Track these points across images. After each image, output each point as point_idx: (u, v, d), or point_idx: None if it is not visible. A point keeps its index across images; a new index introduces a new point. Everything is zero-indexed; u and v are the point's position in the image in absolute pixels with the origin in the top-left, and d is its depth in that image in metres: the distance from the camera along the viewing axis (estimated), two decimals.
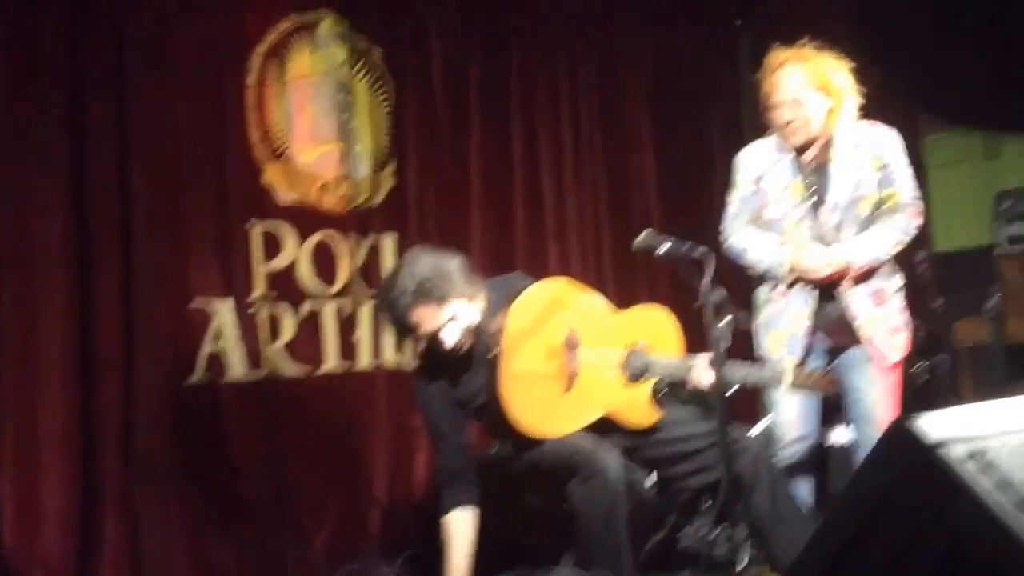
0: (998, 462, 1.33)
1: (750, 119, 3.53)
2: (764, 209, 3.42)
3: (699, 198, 5.25)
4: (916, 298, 3.60)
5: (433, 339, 2.97)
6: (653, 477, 3.21)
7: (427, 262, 3.01)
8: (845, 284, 3.31)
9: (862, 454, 3.41)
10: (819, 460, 3.61)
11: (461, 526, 3.00)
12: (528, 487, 3.19)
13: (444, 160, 4.61)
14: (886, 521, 1.34)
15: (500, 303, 3.02)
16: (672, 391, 3.07)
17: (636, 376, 3.02)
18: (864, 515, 1.37)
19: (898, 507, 1.34)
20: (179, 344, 3.85)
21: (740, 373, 2.98)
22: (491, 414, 3.00)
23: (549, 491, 3.02)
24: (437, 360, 3.07)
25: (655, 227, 4.92)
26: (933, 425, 1.34)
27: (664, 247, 2.77)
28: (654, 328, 3.12)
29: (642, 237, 2.85)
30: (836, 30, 3.64)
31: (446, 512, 3.02)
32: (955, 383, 5.11)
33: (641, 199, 5.30)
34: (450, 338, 2.95)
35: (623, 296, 3.20)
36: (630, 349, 3.05)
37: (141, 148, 3.76)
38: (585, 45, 5.14)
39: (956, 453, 1.32)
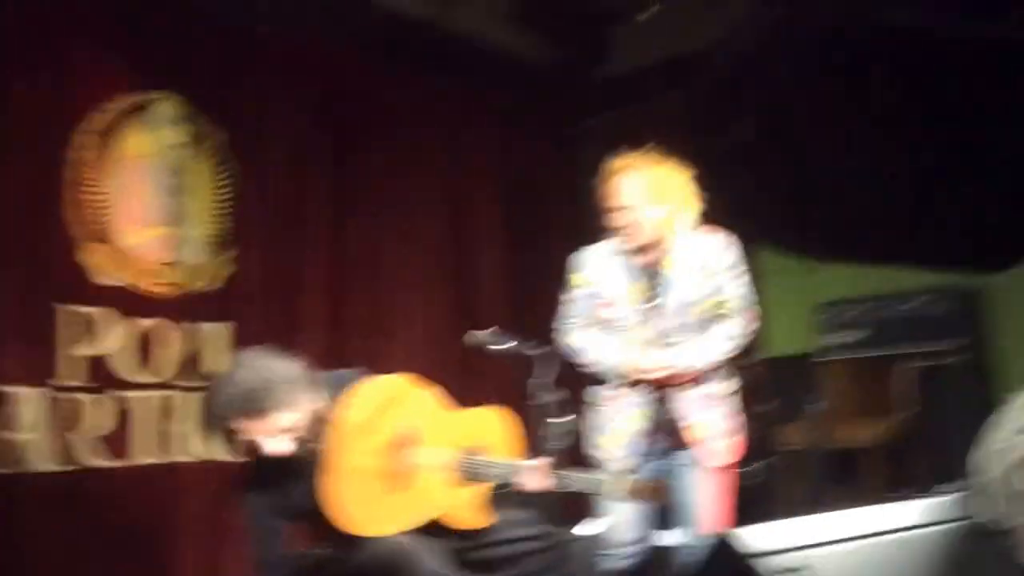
0: (821, 574, 1.31)
1: (594, 219, 3.56)
2: (601, 311, 3.43)
3: (543, 297, 5.21)
4: (747, 402, 3.65)
5: (257, 451, 2.82)
6: None
7: (256, 370, 2.83)
8: (678, 387, 3.33)
9: (690, 558, 3.41)
10: (651, 563, 3.57)
11: None
12: None
13: (284, 249, 4.49)
14: None
15: (335, 399, 2.90)
16: (505, 494, 2.99)
17: (469, 478, 2.94)
18: None
19: None
20: None
21: (570, 479, 2.92)
22: (315, 517, 2.86)
23: None
24: (263, 465, 2.92)
25: (498, 324, 4.94)
26: (756, 536, 1.31)
27: (498, 345, 2.72)
28: (491, 429, 3.06)
29: (478, 334, 2.80)
30: (677, 139, 3.75)
31: None
32: (783, 487, 5.21)
33: (485, 296, 5.28)
34: (276, 448, 2.81)
35: (466, 395, 3.12)
36: (465, 450, 2.97)
37: None
38: (433, 141, 5.14)
39: (778, 565, 1.29)
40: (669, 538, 4.03)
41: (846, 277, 5.56)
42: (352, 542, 2.81)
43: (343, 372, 3.21)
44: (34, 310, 3.75)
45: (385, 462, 2.86)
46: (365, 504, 2.80)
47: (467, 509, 2.97)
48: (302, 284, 4.47)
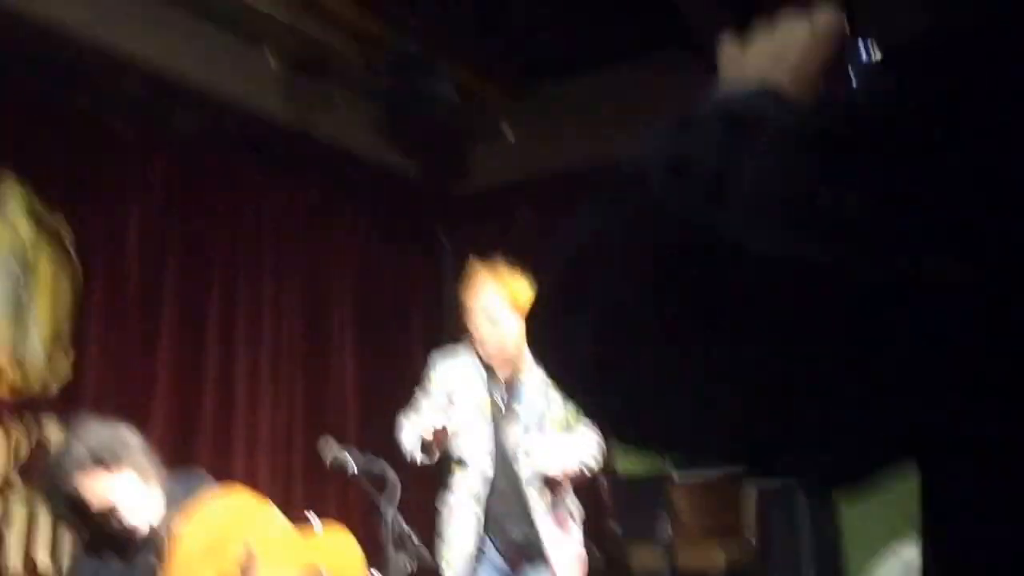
0: None
1: (452, 328, 3.59)
2: (451, 419, 3.43)
3: (399, 406, 5.16)
4: (594, 522, 3.67)
5: (100, 519, 2.71)
6: None
7: (100, 429, 2.82)
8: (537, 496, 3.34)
9: None
10: None
11: None
12: None
13: (130, 350, 4.33)
14: None
15: (176, 501, 2.81)
16: None
17: None
18: None
19: None
20: None
21: None
22: None
23: None
24: (97, 548, 2.82)
25: (352, 434, 4.86)
26: None
27: (354, 463, 2.69)
28: (335, 552, 2.98)
29: (336, 451, 2.76)
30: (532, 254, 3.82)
31: None
32: None
33: (339, 404, 5.18)
34: (122, 513, 2.71)
35: (312, 501, 3.06)
36: (310, 570, 2.89)
37: None
38: (292, 249, 5.09)
39: None
40: None
41: None
42: None
43: (189, 472, 3.12)
44: None
45: None
46: None
47: None
48: (150, 383, 4.32)
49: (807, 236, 0.56)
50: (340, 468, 2.69)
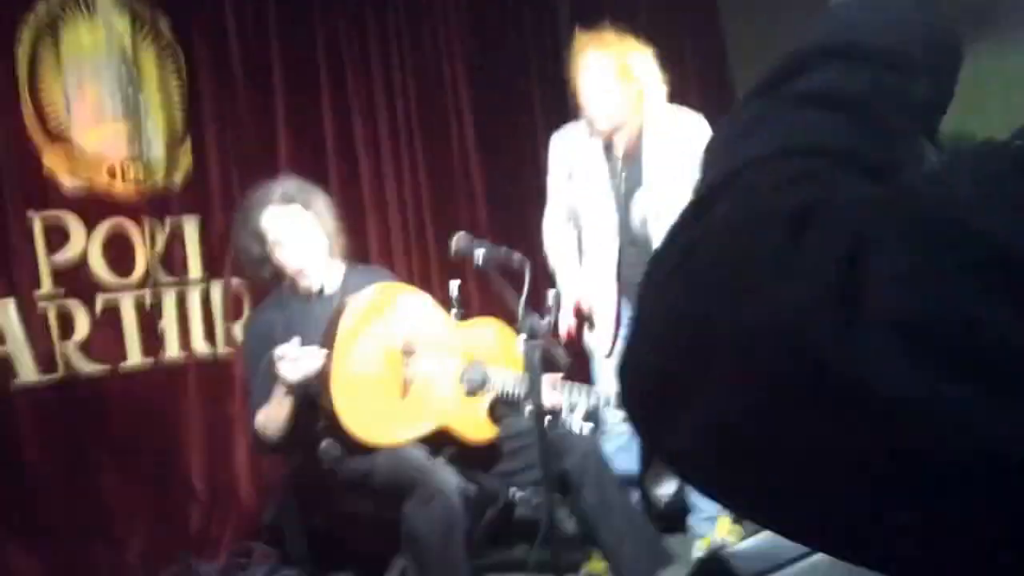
0: None
1: (572, 106, 3.44)
2: (576, 199, 3.37)
3: (524, 185, 4.89)
4: None
5: (283, 268, 2.99)
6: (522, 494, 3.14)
7: (294, 179, 3.13)
8: None
9: None
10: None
11: None
12: (357, 495, 3.06)
13: (246, 136, 4.32)
14: None
15: (356, 287, 2.93)
16: (508, 406, 2.99)
17: (474, 389, 2.93)
18: None
19: None
20: None
21: (577, 396, 2.90)
22: (319, 402, 2.87)
23: (380, 502, 2.91)
24: (280, 302, 3.04)
25: (481, 222, 4.81)
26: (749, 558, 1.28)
27: (480, 254, 2.65)
28: (492, 341, 3.04)
29: (456, 240, 2.73)
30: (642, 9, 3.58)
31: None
32: None
33: (464, 185, 5.05)
34: (305, 257, 2.95)
35: (444, 290, 3.10)
36: (468, 361, 2.96)
37: None
38: (396, 19, 4.85)
39: None
40: None
41: None
42: (360, 447, 2.81)
43: (368, 267, 3.23)
44: (2, 223, 3.63)
45: (391, 370, 2.86)
46: (371, 411, 2.83)
47: (471, 421, 2.98)
48: (271, 170, 4.29)
49: None
50: (480, 263, 2.66)
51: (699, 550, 3.53)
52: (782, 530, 0.51)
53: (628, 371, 0.56)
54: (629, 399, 0.56)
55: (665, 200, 3.27)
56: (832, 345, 0.45)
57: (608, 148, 3.33)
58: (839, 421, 0.45)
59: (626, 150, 3.31)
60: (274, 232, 2.99)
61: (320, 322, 2.91)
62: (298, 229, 2.99)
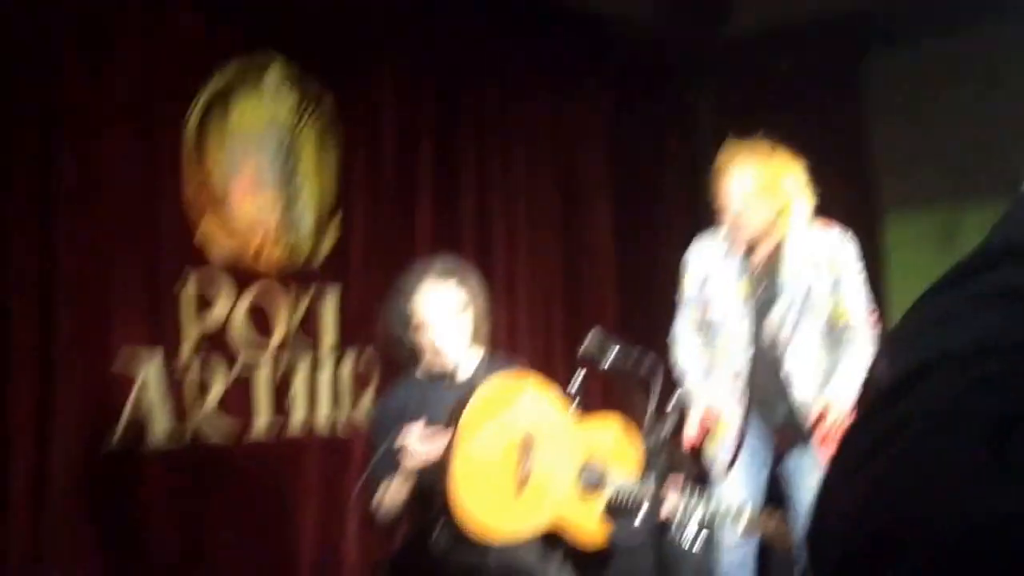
0: None
1: (708, 211, 3.43)
2: (708, 311, 3.33)
3: (655, 283, 4.86)
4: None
5: (423, 348, 2.97)
6: None
7: (452, 257, 3.19)
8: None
9: (800, 558, 3.33)
10: (761, 558, 3.50)
11: None
12: None
13: (391, 213, 4.45)
14: None
15: (489, 375, 2.95)
16: (626, 510, 2.92)
17: (591, 487, 2.88)
18: None
19: None
20: (101, 408, 3.63)
21: (695, 508, 2.83)
22: (435, 488, 2.85)
23: None
24: (412, 383, 3.04)
25: (609, 316, 4.80)
26: None
27: (611, 356, 2.64)
28: (612, 441, 2.99)
29: (589, 339, 2.72)
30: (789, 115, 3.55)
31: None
32: None
33: (595, 278, 5.08)
34: (449, 338, 2.93)
35: (566, 379, 3.08)
36: (587, 459, 2.91)
37: (66, 197, 3.53)
38: (539, 105, 4.96)
39: None
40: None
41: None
42: (470, 537, 2.77)
43: (504, 357, 3.22)
44: (153, 283, 3.78)
45: (509, 462, 2.84)
46: (487, 500, 2.80)
47: (586, 522, 2.92)
48: (410, 251, 4.38)
49: None
50: (602, 359, 2.64)
51: None
52: None
53: (814, 543, 0.57)
54: (815, 568, 0.57)
55: (803, 319, 3.21)
56: None
57: (746, 259, 3.29)
58: None
59: (765, 262, 3.27)
60: (424, 312, 2.99)
61: (449, 407, 2.92)
62: (449, 307, 2.99)
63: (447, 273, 3.04)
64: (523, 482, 2.83)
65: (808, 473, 3.27)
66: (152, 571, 3.71)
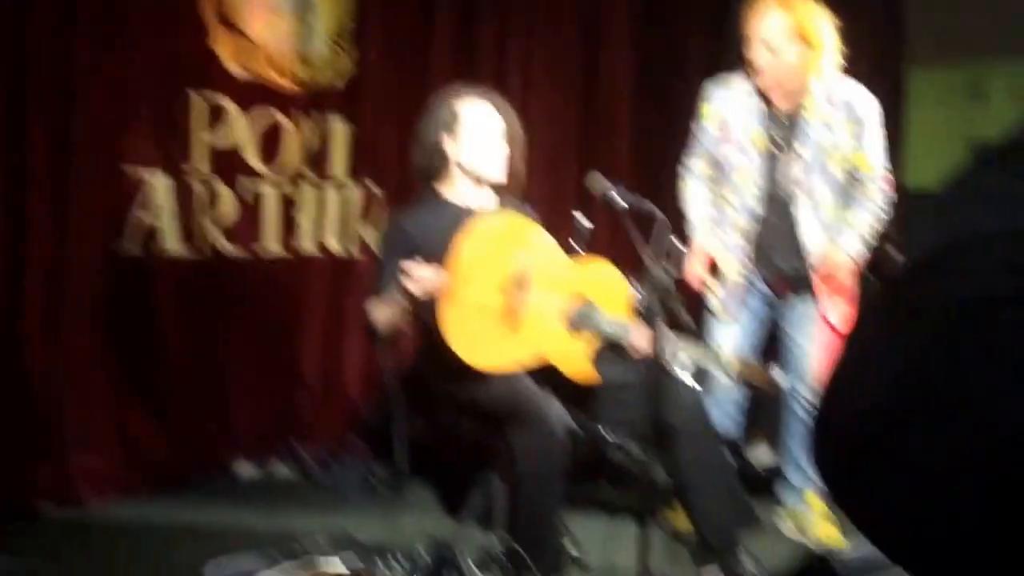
0: None
1: (731, 57, 3.39)
2: (725, 150, 3.33)
3: (673, 144, 4.89)
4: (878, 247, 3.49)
5: (450, 163, 2.96)
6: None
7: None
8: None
9: (793, 406, 3.44)
10: (749, 397, 3.61)
11: None
12: (462, 413, 3.08)
13: (406, 48, 4.40)
14: None
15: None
16: (611, 350, 2.99)
17: (577, 327, 2.94)
18: None
19: None
20: (113, 212, 3.71)
21: (683, 351, 2.89)
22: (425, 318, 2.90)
23: (483, 423, 2.94)
24: (427, 207, 3.02)
25: (621, 161, 4.78)
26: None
27: (612, 194, 2.66)
28: (603, 283, 3.02)
29: (590, 178, 2.74)
30: None
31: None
32: None
33: (612, 110, 5.01)
34: (488, 156, 2.94)
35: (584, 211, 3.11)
36: (578, 300, 2.96)
37: (83, 9, 3.52)
38: None
39: None
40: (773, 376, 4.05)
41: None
42: (473, 372, 2.83)
43: (518, 202, 3.20)
44: (166, 96, 3.80)
45: (501, 298, 2.88)
46: (478, 337, 2.84)
47: (574, 359, 2.98)
48: (426, 85, 4.31)
49: None
50: (607, 202, 2.67)
51: (782, 519, 3.54)
52: None
53: (825, 428, 0.57)
54: (823, 460, 0.58)
55: (821, 166, 3.22)
56: None
57: (768, 108, 3.28)
58: None
59: (786, 110, 3.26)
60: (467, 116, 2.94)
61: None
62: (492, 122, 2.96)
63: (486, 95, 3.00)
64: (513, 315, 2.87)
65: (809, 323, 3.34)
66: (160, 376, 3.86)
